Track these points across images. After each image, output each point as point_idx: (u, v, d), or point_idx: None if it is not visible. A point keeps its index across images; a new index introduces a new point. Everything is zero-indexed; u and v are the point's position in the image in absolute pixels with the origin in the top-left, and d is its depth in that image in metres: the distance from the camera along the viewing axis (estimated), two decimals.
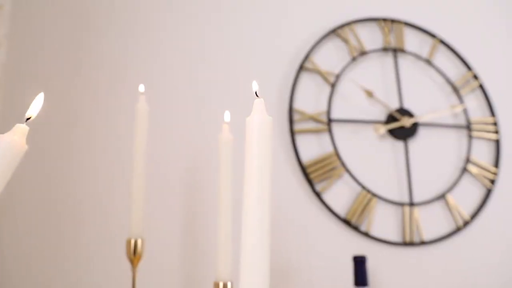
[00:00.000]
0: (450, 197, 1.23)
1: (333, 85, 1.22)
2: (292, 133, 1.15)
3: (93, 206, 1.03)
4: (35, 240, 0.99)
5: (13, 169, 0.38)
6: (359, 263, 0.95)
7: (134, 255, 0.85)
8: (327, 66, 1.24)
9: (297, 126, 1.17)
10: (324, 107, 1.20)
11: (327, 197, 1.14)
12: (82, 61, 1.11)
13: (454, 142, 1.30)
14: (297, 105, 1.19)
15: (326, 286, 1.09)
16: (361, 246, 1.14)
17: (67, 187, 1.03)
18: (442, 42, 1.37)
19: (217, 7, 1.24)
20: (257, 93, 0.57)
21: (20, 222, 1.00)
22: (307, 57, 1.22)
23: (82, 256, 1.00)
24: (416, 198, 1.21)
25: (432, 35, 1.36)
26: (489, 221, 1.25)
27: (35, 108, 0.43)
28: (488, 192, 1.26)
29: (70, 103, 1.08)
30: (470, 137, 1.30)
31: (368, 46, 1.30)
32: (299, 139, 1.16)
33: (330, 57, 1.26)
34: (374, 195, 1.17)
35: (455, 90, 1.33)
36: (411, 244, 1.16)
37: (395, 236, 1.17)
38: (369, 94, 1.22)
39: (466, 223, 1.22)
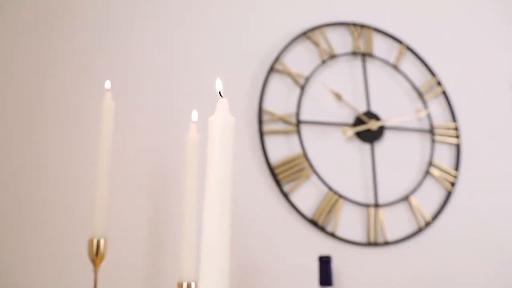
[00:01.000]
0: (413, 199, 1.26)
1: (302, 87, 1.23)
2: (261, 133, 1.15)
3: (56, 205, 0.99)
4: None
5: None
6: (324, 263, 0.96)
7: (96, 255, 0.83)
8: (297, 68, 1.26)
9: (266, 127, 1.18)
10: (293, 109, 1.22)
11: (295, 197, 1.15)
12: (46, 56, 1.07)
13: (418, 145, 1.34)
14: (267, 106, 1.19)
15: (292, 286, 1.10)
16: (327, 247, 1.15)
17: (30, 185, 0.99)
18: (409, 48, 1.41)
19: (188, 5, 1.22)
20: (221, 92, 0.57)
21: None
22: (277, 58, 1.22)
23: (43, 255, 0.96)
24: (381, 200, 1.24)
25: (400, 42, 1.40)
26: (449, 222, 1.30)
27: None
28: (449, 194, 1.31)
29: (33, 99, 1.04)
30: (433, 141, 1.34)
31: (338, 50, 1.32)
32: (268, 140, 1.17)
33: (301, 59, 1.27)
34: (341, 196, 1.19)
35: (420, 95, 1.37)
36: (375, 244, 1.19)
37: (360, 237, 1.20)
38: (338, 97, 1.24)
39: (427, 224, 1.26)
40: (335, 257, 1.15)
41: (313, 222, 1.14)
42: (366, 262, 1.18)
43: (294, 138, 1.19)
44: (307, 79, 1.25)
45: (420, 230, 1.25)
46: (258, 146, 1.16)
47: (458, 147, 1.37)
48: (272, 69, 1.21)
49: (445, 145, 1.37)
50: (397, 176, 1.28)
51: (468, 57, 1.53)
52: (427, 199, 1.30)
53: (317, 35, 1.30)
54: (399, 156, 1.31)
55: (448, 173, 1.33)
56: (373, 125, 1.25)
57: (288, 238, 1.13)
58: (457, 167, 1.35)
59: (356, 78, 1.33)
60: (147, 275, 1.01)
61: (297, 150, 1.19)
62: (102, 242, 0.83)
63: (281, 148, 1.17)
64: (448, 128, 1.38)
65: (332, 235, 1.15)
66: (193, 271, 0.80)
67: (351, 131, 1.23)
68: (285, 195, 1.14)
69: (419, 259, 1.24)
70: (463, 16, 1.58)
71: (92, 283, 0.81)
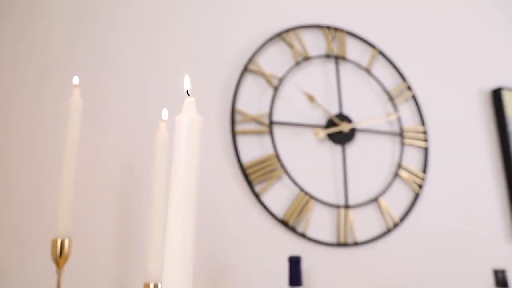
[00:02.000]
0: (382, 200, 1.29)
1: (276, 88, 1.24)
2: (234, 133, 1.15)
3: (21, 204, 0.96)
4: None
5: None
6: (294, 263, 0.97)
7: (60, 256, 0.80)
8: (271, 69, 1.26)
9: (239, 127, 1.17)
10: (266, 109, 1.22)
11: (266, 198, 1.16)
12: (12, 51, 1.03)
13: (388, 148, 1.37)
14: (240, 106, 1.19)
15: (262, 286, 1.10)
16: (297, 247, 1.16)
17: None
18: (381, 52, 1.44)
19: (162, 3, 1.21)
20: (188, 91, 0.56)
21: None
22: (251, 59, 1.22)
23: (6, 255, 0.93)
24: (351, 201, 1.26)
25: (372, 46, 1.43)
26: (416, 223, 1.34)
27: None
28: (416, 196, 1.34)
29: None
30: (402, 144, 1.37)
31: (312, 52, 1.34)
32: (240, 140, 1.16)
33: (275, 60, 1.28)
34: (312, 197, 1.20)
35: (391, 99, 1.40)
36: (345, 244, 1.21)
37: (330, 237, 1.21)
38: (311, 98, 1.25)
39: (395, 225, 1.29)
40: (305, 258, 1.16)
41: (284, 223, 1.15)
42: (335, 262, 1.20)
43: (267, 139, 1.20)
44: (281, 80, 1.25)
45: (388, 231, 1.27)
46: (231, 146, 1.16)
47: (426, 150, 1.41)
48: (246, 70, 1.21)
49: (414, 148, 1.41)
50: (367, 178, 1.31)
51: (438, 63, 1.58)
52: (396, 200, 1.32)
53: (291, 37, 1.31)
54: (370, 158, 1.33)
55: (417, 176, 1.37)
56: (344, 127, 1.27)
57: (259, 238, 1.13)
58: (425, 169, 1.38)
59: (329, 81, 1.34)
60: (114, 275, 0.99)
61: (269, 150, 1.19)
62: (66, 242, 0.81)
63: (253, 149, 1.17)
64: (417, 132, 1.42)
65: (303, 235, 1.16)
66: (160, 272, 0.79)
67: (323, 133, 1.24)
68: (257, 196, 1.14)
69: (387, 259, 1.27)
70: (434, 24, 1.63)
71: (55, 285, 0.79)
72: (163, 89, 1.13)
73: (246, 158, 1.16)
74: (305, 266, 1.16)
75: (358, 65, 1.39)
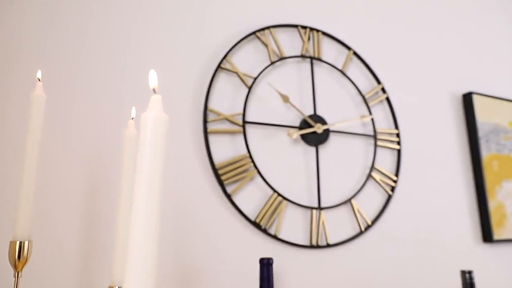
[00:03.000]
0: (355, 202, 1.29)
1: (250, 88, 1.22)
2: (206, 133, 1.13)
3: None
4: None
5: None
6: (265, 265, 0.95)
7: (18, 259, 0.76)
8: (246, 68, 1.24)
9: (212, 127, 1.15)
10: (240, 109, 1.20)
11: (238, 199, 1.14)
12: None
13: (362, 150, 1.38)
14: (213, 105, 1.17)
15: None
16: (269, 249, 1.15)
17: None
18: (356, 54, 1.44)
19: (135, 0, 1.17)
20: (155, 89, 0.54)
21: None
22: (225, 57, 1.20)
23: None
24: (324, 203, 1.25)
25: (348, 47, 1.43)
26: (388, 224, 1.35)
27: None
28: (389, 198, 1.35)
29: None
30: (376, 146, 1.38)
31: (287, 52, 1.33)
32: (213, 140, 1.14)
33: (250, 59, 1.26)
34: (285, 198, 1.19)
35: (365, 101, 1.41)
36: (317, 246, 1.20)
37: (302, 239, 1.20)
38: (285, 99, 1.24)
39: (368, 227, 1.29)
40: (277, 260, 1.15)
41: (256, 224, 1.13)
42: (307, 264, 1.19)
43: (240, 139, 1.18)
44: (255, 80, 1.23)
45: (361, 233, 1.28)
46: (203, 146, 1.13)
47: (399, 152, 1.42)
48: (219, 68, 1.19)
49: (387, 150, 1.42)
50: (341, 180, 1.31)
51: (412, 67, 1.60)
52: (369, 202, 1.33)
53: (267, 36, 1.29)
54: (343, 160, 1.33)
55: (389, 178, 1.38)
56: (318, 128, 1.26)
57: (230, 240, 1.11)
58: (397, 172, 1.40)
59: (304, 81, 1.34)
60: (77, 279, 0.95)
61: (242, 151, 1.17)
62: (26, 244, 0.77)
63: (226, 149, 1.15)
64: (391, 134, 1.43)
65: (275, 237, 1.15)
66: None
67: (296, 134, 1.23)
68: (229, 196, 1.12)
69: (359, 261, 1.27)
70: (409, 29, 1.65)
71: None
72: (133, 85, 1.09)
73: (219, 158, 1.14)
74: (276, 268, 1.15)
75: (334, 67, 1.39)
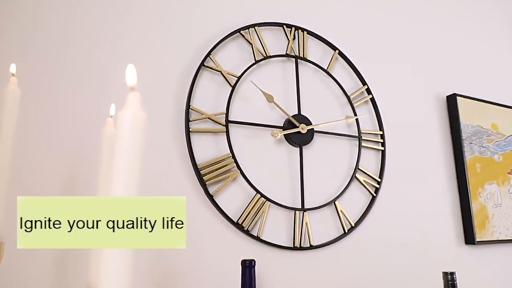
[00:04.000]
0: (338, 203, 1.28)
1: (234, 86, 1.20)
2: (188, 132, 1.10)
3: None
4: None
5: None
6: (247, 267, 0.94)
7: None
8: (229, 66, 1.22)
9: (194, 126, 1.13)
10: (223, 108, 1.18)
11: (221, 199, 1.12)
12: None
13: (346, 150, 1.37)
14: (196, 104, 1.15)
15: None
16: (252, 250, 1.13)
17: None
18: (342, 55, 1.43)
19: None
20: (132, 85, 0.52)
21: None
22: (209, 55, 1.18)
23: None
24: (308, 204, 1.24)
25: (334, 47, 1.42)
26: (372, 226, 1.34)
27: None
28: (373, 199, 1.35)
29: None
30: (360, 147, 1.37)
31: (272, 51, 1.31)
32: (195, 139, 1.12)
33: (234, 58, 1.24)
34: (268, 199, 1.17)
35: (350, 101, 1.40)
36: (300, 248, 1.19)
37: (285, 241, 1.19)
38: (270, 98, 1.22)
39: (351, 228, 1.29)
40: (259, 261, 1.13)
41: (239, 225, 1.11)
42: (290, 266, 1.18)
43: (223, 138, 1.16)
44: (239, 79, 1.22)
45: (344, 234, 1.27)
46: (184, 145, 1.11)
47: (383, 153, 1.42)
48: (203, 66, 1.17)
49: (372, 151, 1.41)
50: (325, 181, 1.30)
51: (397, 69, 1.60)
52: (352, 203, 1.32)
53: (251, 34, 1.28)
54: (327, 160, 1.32)
55: (373, 179, 1.37)
56: (303, 128, 1.25)
57: (212, 241, 1.09)
58: (381, 173, 1.39)
59: (288, 81, 1.32)
60: (52, 280, 0.92)
61: (225, 150, 1.15)
62: None
63: (208, 148, 1.13)
64: (375, 135, 1.43)
65: (258, 238, 1.13)
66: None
67: (280, 134, 1.22)
68: (211, 197, 1.09)
69: (342, 263, 1.26)
70: (395, 30, 1.65)
71: None
72: (113, 82, 1.06)
73: (201, 158, 1.11)
74: (259, 270, 1.13)
75: (319, 66, 1.38)
